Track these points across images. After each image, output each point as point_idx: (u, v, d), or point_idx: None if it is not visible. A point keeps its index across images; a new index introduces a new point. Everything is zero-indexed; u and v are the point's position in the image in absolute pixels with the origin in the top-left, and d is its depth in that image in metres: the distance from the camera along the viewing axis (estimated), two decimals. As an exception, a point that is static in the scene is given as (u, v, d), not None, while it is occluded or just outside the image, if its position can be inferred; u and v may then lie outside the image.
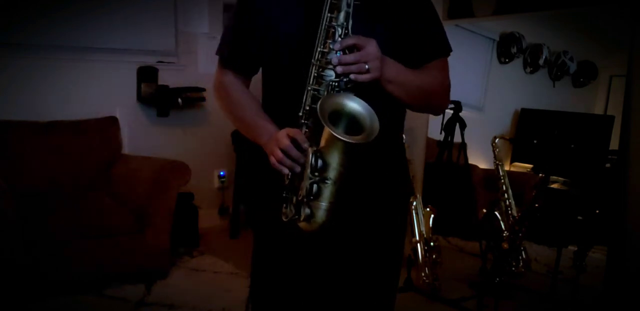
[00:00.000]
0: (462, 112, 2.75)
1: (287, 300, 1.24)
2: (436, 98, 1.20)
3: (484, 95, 2.87)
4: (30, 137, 2.86)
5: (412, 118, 3.07)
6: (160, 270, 2.75)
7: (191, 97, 3.43)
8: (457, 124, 2.77)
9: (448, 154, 2.85)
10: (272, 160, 1.05)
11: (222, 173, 3.76)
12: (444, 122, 2.82)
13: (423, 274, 2.62)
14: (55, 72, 3.13)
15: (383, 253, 1.23)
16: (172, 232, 2.75)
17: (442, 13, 2.93)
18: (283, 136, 1.03)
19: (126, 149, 3.21)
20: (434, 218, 2.68)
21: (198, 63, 3.58)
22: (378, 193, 1.18)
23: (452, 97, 3.10)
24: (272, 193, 1.11)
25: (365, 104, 1.00)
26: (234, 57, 1.22)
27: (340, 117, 1.00)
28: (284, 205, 1.07)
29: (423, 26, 1.18)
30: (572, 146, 2.45)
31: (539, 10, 2.54)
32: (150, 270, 2.70)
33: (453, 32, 2.89)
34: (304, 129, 1.04)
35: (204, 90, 3.44)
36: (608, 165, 2.29)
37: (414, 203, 2.75)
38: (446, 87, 1.20)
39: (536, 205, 2.42)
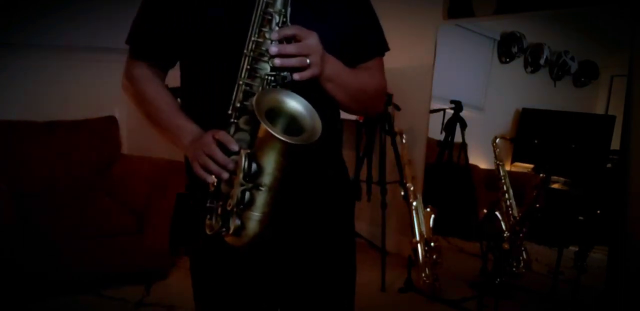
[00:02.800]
0: (463, 111, 2.75)
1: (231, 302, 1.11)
2: (374, 101, 1.13)
3: (485, 95, 2.87)
4: (30, 137, 2.86)
5: (412, 118, 3.08)
6: (160, 271, 2.74)
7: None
8: (458, 124, 2.76)
9: (448, 154, 2.85)
10: (196, 166, 0.93)
11: (222, 173, 3.75)
12: (445, 122, 2.81)
13: (423, 274, 2.61)
14: (55, 72, 3.13)
15: (331, 263, 1.12)
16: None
17: (443, 12, 2.93)
18: (208, 139, 0.92)
19: (125, 149, 3.20)
20: (434, 219, 2.68)
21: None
22: (318, 199, 1.08)
23: (453, 97, 3.11)
24: (201, 202, 0.97)
25: (306, 102, 0.90)
26: (146, 46, 1.07)
27: (277, 116, 0.89)
28: (208, 217, 0.93)
29: (361, 23, 1.10)
30: (573, 146, 2.44)
31: (539, 10, 2.53)
32: (149, 270, 2.70)
33: (453, 31, 2.90)
34: (232, 130, 0.93)
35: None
36: (609, 165, 2.29)
37: (414, 204, 2.74)
38: (384, 88, 1.14)
39: (537, 205, 2.42)
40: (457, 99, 2.76)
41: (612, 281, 2.20)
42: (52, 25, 3.09)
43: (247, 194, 0.87)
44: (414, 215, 2.72)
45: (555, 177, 2.45)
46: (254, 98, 0.87)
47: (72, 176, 2.90)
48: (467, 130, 2.75)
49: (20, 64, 3.04)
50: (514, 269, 2.49)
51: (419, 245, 2.66)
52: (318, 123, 0.89)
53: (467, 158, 2.80)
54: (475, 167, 2.82)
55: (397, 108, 2.94)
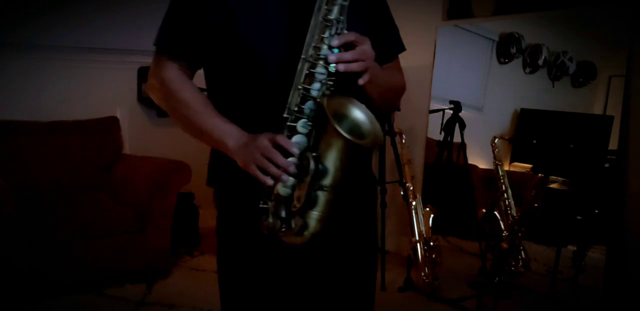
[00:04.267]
0: (462, 112, 2.76)
1: (259, 305, 1.13)
2: (397, 98, 1.19)
3: (484, 95, 2.88)
4: (32, 137, 2.87)
5: (412, 118, 3.09)
6: (161, 270, 2.75)
7: (191, 97, 3.44)
8: (457, 124, 2.77)
9: (448, 154, 2.86)
10: (253, 169, 0.94)
11: (222, 173, 3.76)
12: (444, 122, 2.82)
13: (423, 274, 2.62)
14: (56, 73, 3.14)
15: (358, 255, 1.16)
16: (173, 231, 2.75)
17: (442, 13, 2.94)
18: (265, 142, 0.93)
19: (127, 149, 3.21)
20: (433, 218, 2.69)
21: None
22: (355, 196, 1.11)
23: (452, 97, 3.11)
24: (244, 199, 1.01)
25: (366, 109, 0.95)
26: (177, 46, 1.06)
27: (340, 120, 0.93)
28: (263, 217, 0.96)
29: (382, 26, 1.15)
30: (572, 146, 2.45)
31: (538, 11, 2.55)
32: (151, 269, 2.71)
33: (452, 32, 2.91)
34: (287, 132, 0.94)
35: (204, 90, 3.44)
36: (607, 165, 2.30)
37: (414, 203, 2.75)
38: (405, 87, 1.19)
39: (535, 204, 2.43)
40: (456, 99, 2.77)
41: (610, 281, 2.22)
42: (52, 25, 3.10)
43: (313, 195, 0.91)
44: (414, 214, 2.73)
45: (553, 177, 2.46)
46: (324, 102, 0.90)
47: (74, 176, 2.91)
48: (466, 130, 2.76)
49: (20, 64, 3.05)
50: (513, 268, 2.50)
51: (418, 244, 2.67)
52: (379, 129, 0.93)
53: (466, 158, 2.81)
54: (474, 167, 2.83)
55: (397, 108, 2.95)
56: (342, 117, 0.93)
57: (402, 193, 2.80)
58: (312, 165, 0.90)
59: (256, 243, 1.04)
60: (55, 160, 2.88)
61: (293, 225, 0.92)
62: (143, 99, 3.37)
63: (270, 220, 0.95)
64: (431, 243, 2.66)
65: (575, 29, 2.56)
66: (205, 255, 3.13)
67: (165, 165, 2.77)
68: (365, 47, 0.95)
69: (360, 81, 0.94)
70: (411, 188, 2.77)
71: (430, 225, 2.69)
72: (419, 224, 2.70)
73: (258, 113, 1.01)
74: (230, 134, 1.00)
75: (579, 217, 2.38)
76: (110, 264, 2.58)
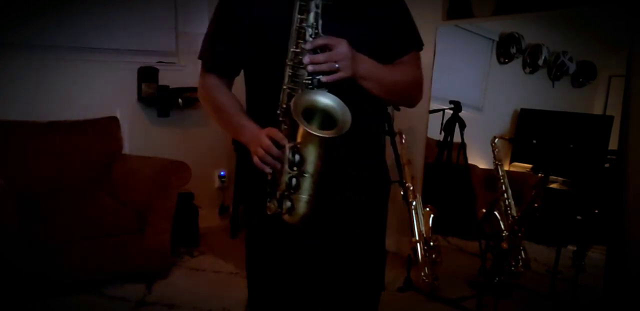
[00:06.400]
0: (462, 112, 2.76)
1: (281, 292, 1.27)
2: (410, 92, 1.26)
3: (484, 95, 2.88)
4: (31, 137, 2.87)
5: (412, 118, 3.09)
6: (161, 270, 2.76)
7: (191, 97, 3.44)
8: (457, 124, 2.77)
9: (448, 154, 2.86)
10: (255, 159, 1.09)
11: (222, 173, 3.76)
12: (444, 122, 2.82)
13: (423, 274, 2.62)
14: (56, 72, 3.14)
15: (364, 244, 1.26)
16: (173, 231, 2.76)
17: (442, 13, 2.94)
18: (262, 136, 1.08)
19: (127, 149, 3.22)
20: (433, 218, 2.69)
21: (198, 63, 3.58)
22: (355, 183, 1.21)
23: (452, 97, 3.12)
24: (264, 191, 1.14)
25: (337, 99, 1.04)
26: (216, 61, 1.27)
27: (314, 112, 1.04)
28: (268, 200, 1.10)
29: (395, 21, 1.23)
30: (572, 146, 2.45)
31: (538, 11, 2.55)
32: (150, 269, 2.71)
33: (452, 32, 2.91)
34: (283, 127, 1.08)
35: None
36: (607, 165, 2.30)
37: (414, 203, 2.76)
38: (419, 80, 1.26)
39: (535, 204, 2.43)
40: (456, 99, 2.78)
41: (610, 281, 2.22)
42: (52, 25, 3.10)
43: (294, 180, 1.03)
44: (414, 214, 2.73)
45: (553, 177, 2.46)
46: (292, 101, 1.03)
47: (74, 176, 2.91)
48: (466, 130, 2.76)
49: (20, 64, 3.05)
50: (513, 268, 2.50)
51: (418, 244, 2.67)
52: (347, 117, 1.02)
53: (466, 158, 2.81)
54: (474, 167, 2.83)
55: (397, 108, 2.95)
56: (314, 109, 1.04)
57: (402, 193, 2.80)
58: (287, 153, 1.03)
59: (278, 242, 1.22)
60: (55, 160, 2.88)
61: (283, 206, 1.06)
62: (143, 99, 3.37)
63: (272, 202, 1.09)
64: (431, 243, 2.66)
65: (575, 29, 2.56)
66: (204, 255, 3.13)
67: (165, 165, 2.77)
68: (339, 49, 1.04)
69: (323, 79, 1.04)
70: (411, 188, 2.77)
71: (430, 225, 2.69)
72: (419, 224, 2.70)
73: (274, 107, 1.12)
74: (248, 130, 1.17)
75: (579, 217, 2.38)
76: (110, 264, 2.58)
